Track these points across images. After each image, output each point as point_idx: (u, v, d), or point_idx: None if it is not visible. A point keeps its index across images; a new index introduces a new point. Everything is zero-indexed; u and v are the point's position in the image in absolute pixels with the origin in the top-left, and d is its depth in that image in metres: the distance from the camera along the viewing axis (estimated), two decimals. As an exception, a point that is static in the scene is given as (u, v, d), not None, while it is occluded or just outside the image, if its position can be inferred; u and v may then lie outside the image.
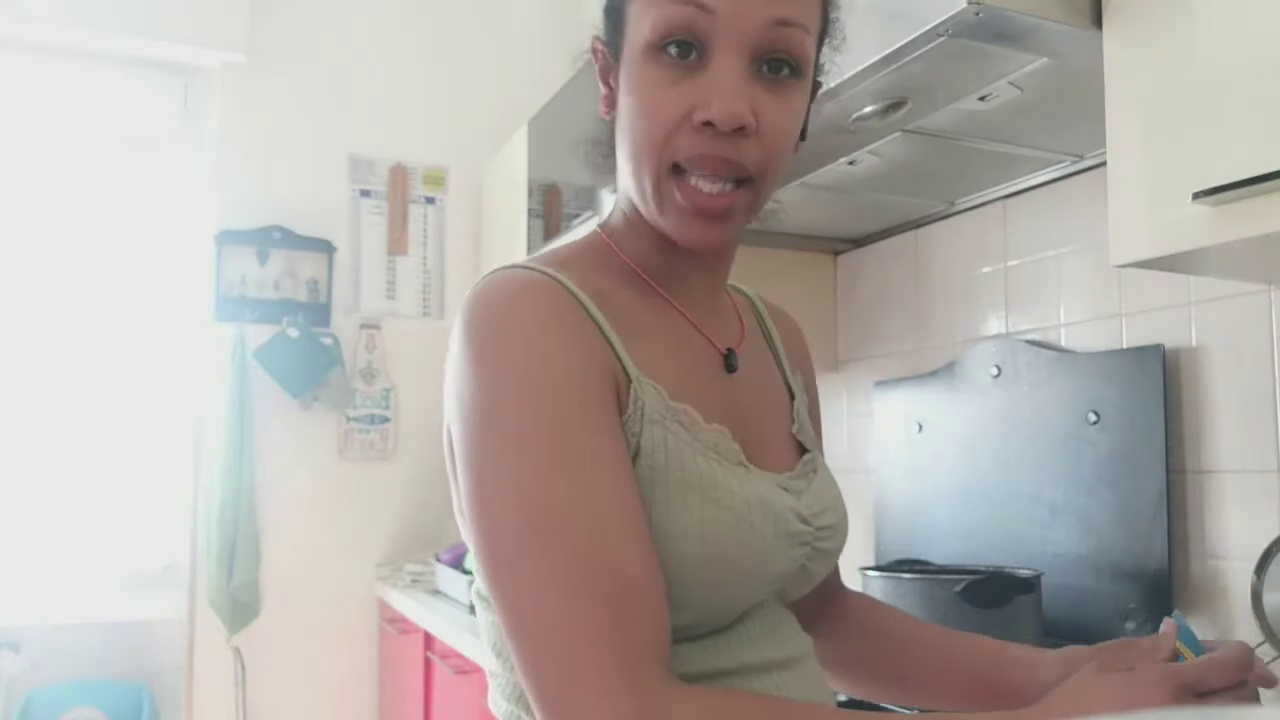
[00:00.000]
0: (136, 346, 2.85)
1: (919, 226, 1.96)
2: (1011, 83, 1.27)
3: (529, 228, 2.91)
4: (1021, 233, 1.73)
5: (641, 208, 0.76)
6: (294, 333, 2.81)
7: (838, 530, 0.81)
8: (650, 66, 0.72)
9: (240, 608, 2.65)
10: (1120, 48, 1.09)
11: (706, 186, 0.72)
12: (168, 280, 2.88)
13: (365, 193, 3.03)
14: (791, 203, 1.82)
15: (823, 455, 0.90)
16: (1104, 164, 1.13)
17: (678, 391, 0.73)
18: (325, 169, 2.96)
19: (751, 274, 2.08)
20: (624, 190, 0.79)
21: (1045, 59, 1.19)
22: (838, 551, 0.83)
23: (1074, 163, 1.59)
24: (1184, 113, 1.02)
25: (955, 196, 1.82)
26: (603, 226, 0.82)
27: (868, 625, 0.94)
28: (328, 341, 2.85)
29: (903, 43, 1.14)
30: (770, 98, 0.72)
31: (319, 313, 2.89)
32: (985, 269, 1.81)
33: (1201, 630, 1.33)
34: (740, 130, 0.70)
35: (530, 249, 2.88)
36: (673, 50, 0.70)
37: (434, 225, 3.14)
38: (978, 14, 1.05)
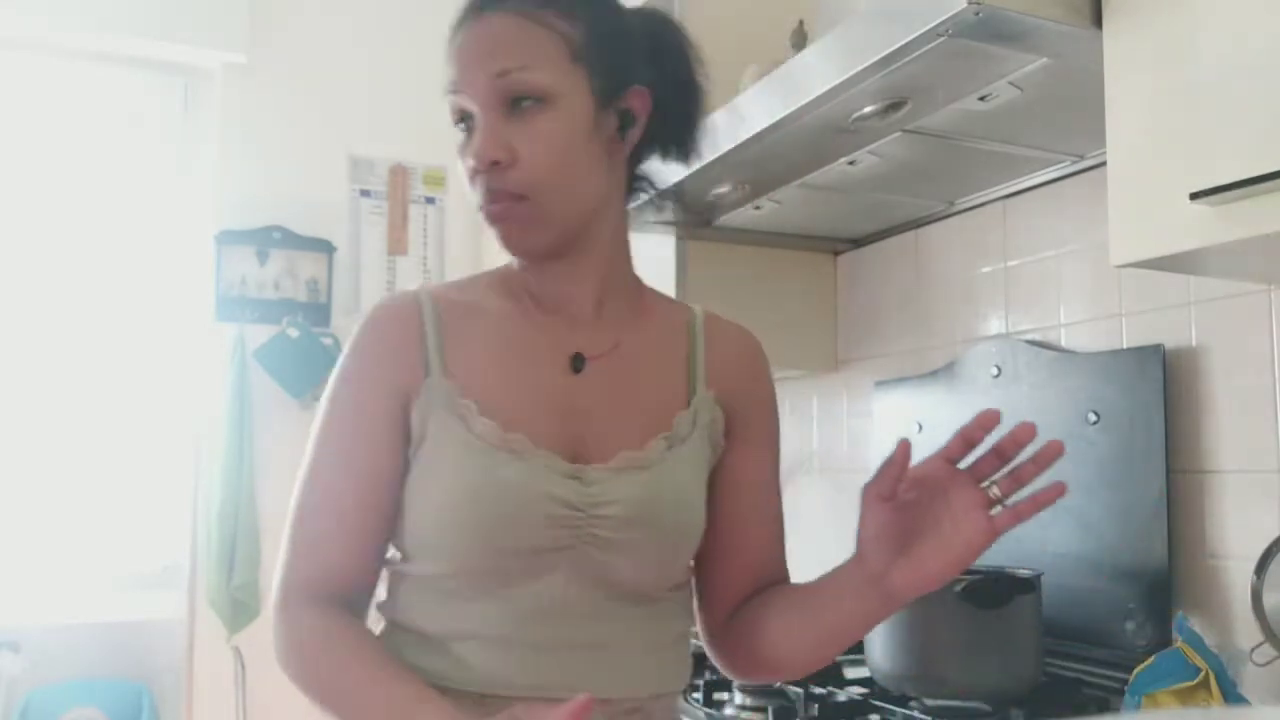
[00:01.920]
0: (136, 346, 2.85)
1: (919, 226, 1.96)
2: (1011, 83, 1.27)
3: (529, 228, 2.91)
4: (1021, 233, 1.73)
5: None
6: (294, 333, 2.81)
7: (629, 524, 0.89)
8: (461, 135, 0.94)
9: (240, 608, 2.65)
10: (1120, 48, 1.09)
11: (495, 225, 0.92)
12: (168, 280, 2.88)
13: (365, 193, 3.03)
14: (791, 203, 1.82)
15: (680, 463, 0.95)
16: (1104, 164, 1.13)
17: (489, 388, 0.91)
18: (325, 169, 2.96)
19: (752, 274, 2.10)
20: None
21: (1045, 59, 1.19)
22: (631, 545, 0.90)
23: (1074, 163, 1.59)
24: (1184, 113, 1.02)
25: (955, 196, 1.82)
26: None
27: (774, 602, 1.01)
28: (328, 341, 2.84)
29: (903, 43, 1.14)
30: (524, 129, 0.89)
31: (319, 313, 2.89)
32: (985, 269, 1.81)
33: (1202, 630, 1.34)
34: (495, 164, 0.89)
35: (530, 249, 2.88)
36: (462, 126, 0.94)
37: (434, 225, 3.14)
38: (978, 14, 1.05)
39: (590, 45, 0.91)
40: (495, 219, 0.91)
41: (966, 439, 0.88)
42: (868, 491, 0.89)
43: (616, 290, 1.00)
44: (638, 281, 1.04)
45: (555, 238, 0.93)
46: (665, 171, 1.06)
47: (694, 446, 0.96)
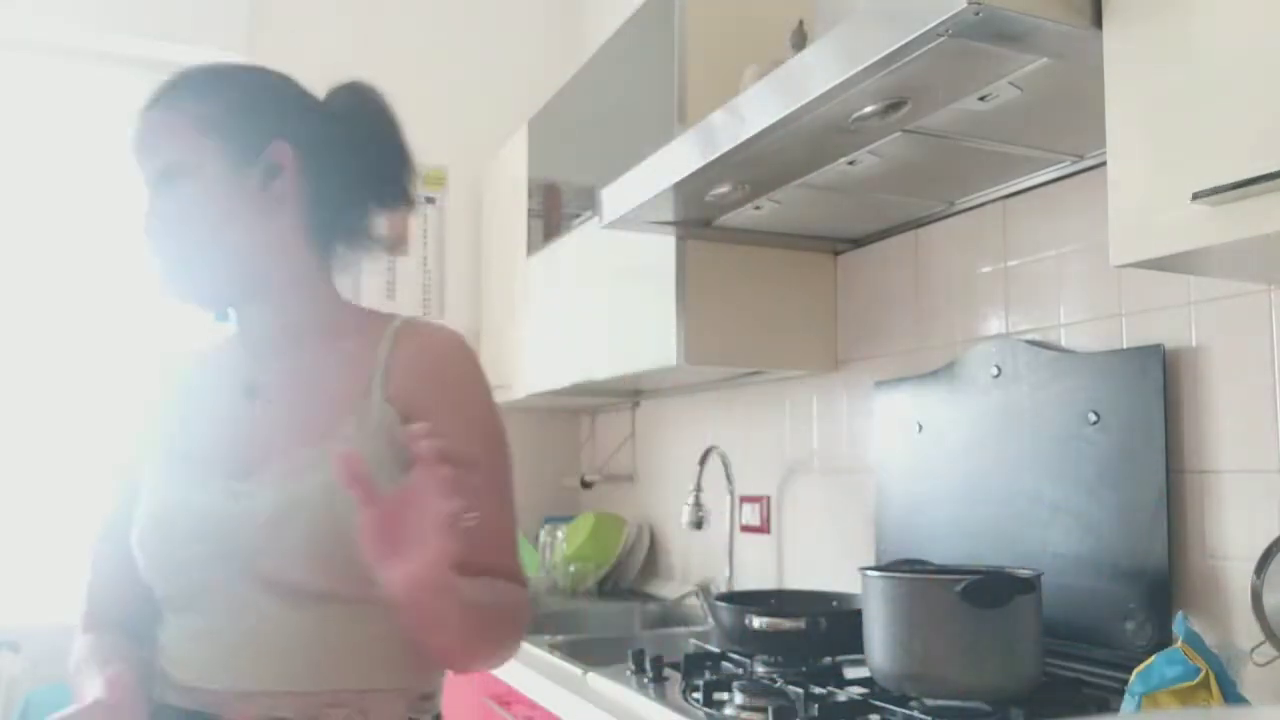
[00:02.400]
0: (137, 346, 2.85)
1: (919, 226, 1.96)
2: (1011, 83, 1.27)
3: (529, 228, 2.91)
4: (1021, 233, 1.73)
5: None
6: (294, 333, 2.80)
7: (274, 526, 0.98)
8: None
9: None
10: (1120, 48, 1.09)
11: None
12: (168, 280, 2.88)
13: (365, 193, 3.03)
14: (791, 203, 1.82)
15: (320, 469, 1.02)
16: (1104, 164, 1.13)
17: (179, 424, 1.10)
18: (325, 169, 2.96)
19: (752, 274, 2.10)
20: None
21: (1045, 59, 1.19)
22: (286, 544, 0.99)
23: (1074, 163, 1.59)
24: (1184, 113, 1.02)
25: (955, 196, 1.82)
26: None
27: None
28: (328, 341, 2.84)
29: (903, 43, 1.14)
30: (161, 204, 1.05)
31: (319, 313, 2.89)
32: (985, 269, 1.81)
33: (1202, 630, 1.33)
34: (146, 233, 1.06)
35: (530, 249, 2.88)
36: None
37: (434, 225, 3.14)
38: (978, 14, 1.05)
39: (217, 119, 1.06)
40: (158, 283, 1.09)
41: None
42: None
43: (304, 321, 1.11)
44: (338, 306, 1.14)
45: (192, 291, 1.11)
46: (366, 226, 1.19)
47: (361, 449, 1.00)
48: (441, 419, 1.02)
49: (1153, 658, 1.19)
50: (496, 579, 1.05)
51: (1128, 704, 1.18)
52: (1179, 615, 1.23)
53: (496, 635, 1.04)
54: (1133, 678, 1.19)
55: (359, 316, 1.14)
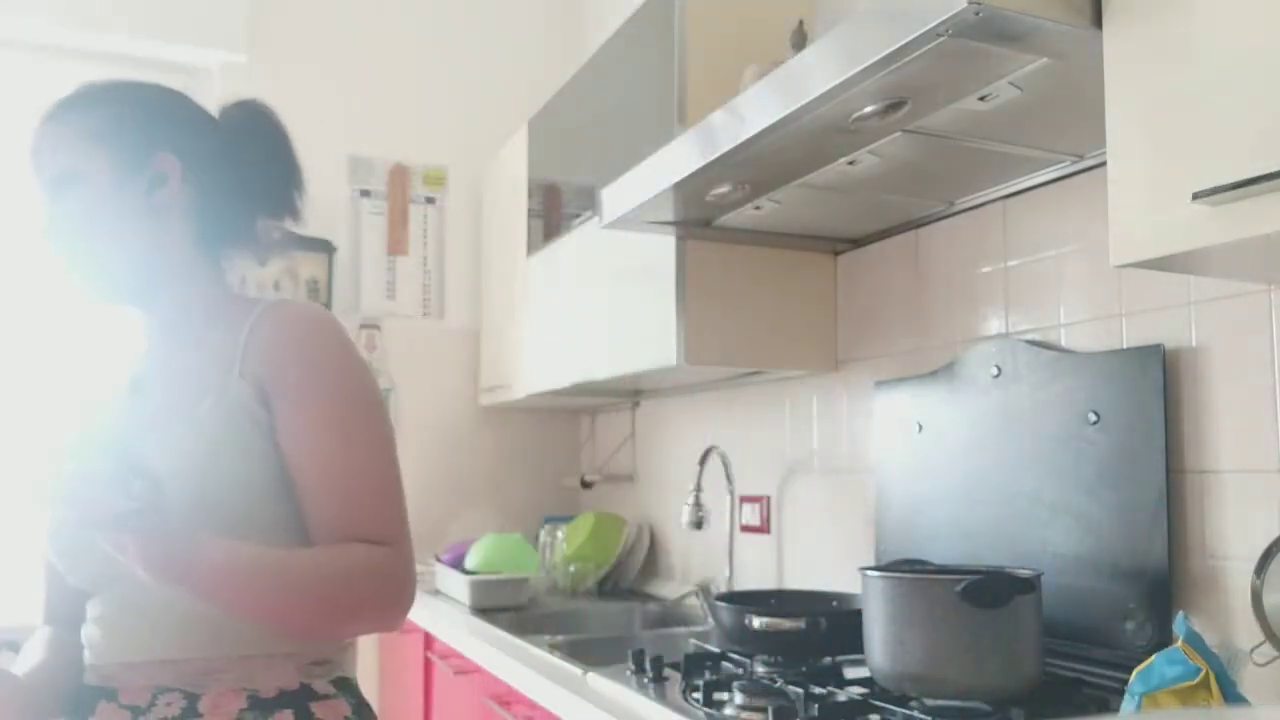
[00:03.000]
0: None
1: (919, 226, 1.96)
2: (1011, 83, 1.27)
3: (529, 228, 2.91)
4: (1021, 233, 1.73)
5: None
6: (294, 333, 2.80)
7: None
8: None
9: (240, 608, 2.65)
10: (1120, 48, 1.09)
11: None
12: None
13: (365, 193, 3.03)
14: (791, 203, 1.82)
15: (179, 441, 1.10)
16: (1104, 164, 1.13)
17: (88, 421, 1.20)
18: (325, 169, 2.96)
19: (752, 274, 2.10)
20: None
21: (1045, 59, 1.20)
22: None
23: (1074, 163, 1.59)
24: (1184, 113, 1.02)
25: (955, 196, 1.82)
26: None
27: None
28: (328, 341, 2.84)
29: (903, 43, 1.14)
30: (56, 207, 1.17)
31: (319, 313, 2.89)
32: (985, 269, 1.81)
33: (1202, 630, 1.33)
34: (44, 236, 1.18)
35: (530, 249, 2.88)
36: None
37: (434, 225, 3.14)
38: (978, 14, 1.05)
39: (110, 131, 1.15)
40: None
41: None
42: None
43: (184, 317, 1.19)
44: (222, 302, 1.20)
45: (98, 290, 1.19)
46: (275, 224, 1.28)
47: (218, 425, 1.08)
48: (294, 387, 1.11)
49: (1153, 658, 1.19)
50: (353, 544, 1.07)
51: (1128, 704, 1.18)
52: (1179, 615, 1.23)
53: (333, 602, 1.05)
54: (1133, 678, 1.19)
55: (238, 306, 1.19)
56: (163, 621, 1.07)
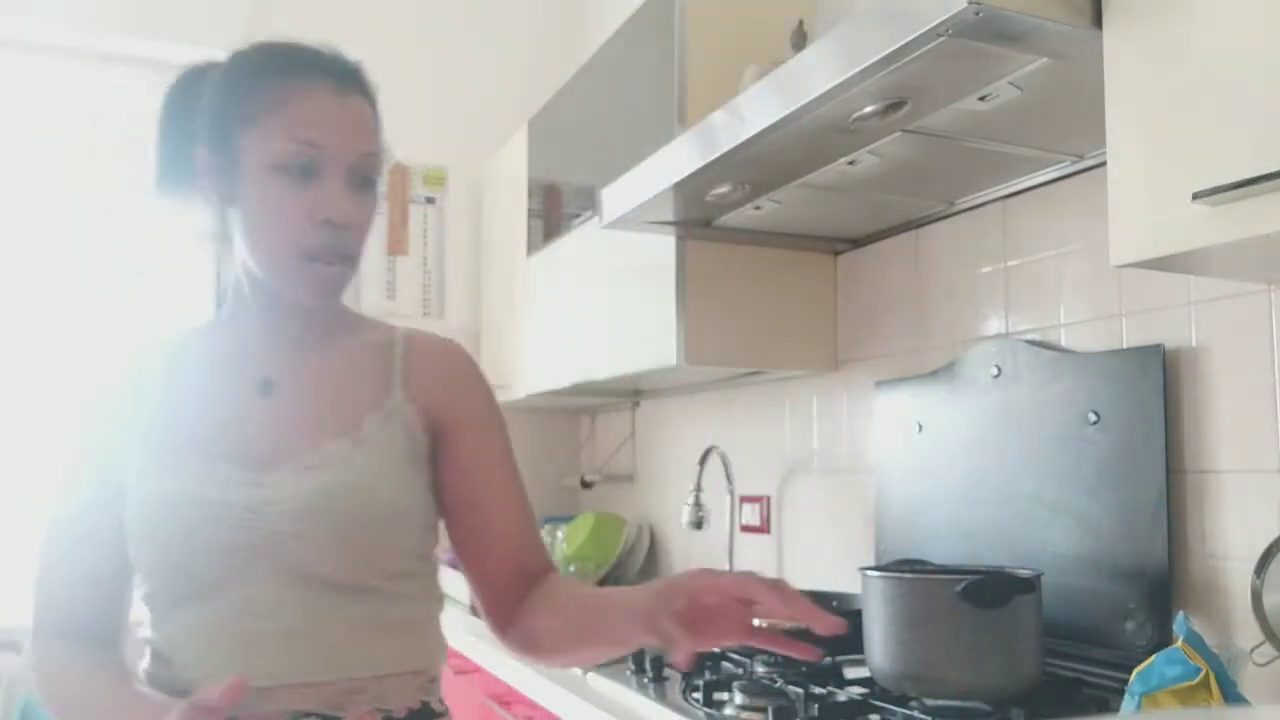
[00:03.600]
0: (137, 346, 2.85)
1: (919, 226, 1.96)
2: (1011, 83, 1.27)
3: (529, 228, 2.91)
4: (1021, 233, 1.73)
5: (272, 282, 1.05)
6: (294, 333, 2.81)
7: (304, 515, 1.00)
8: (274, 181, 1.01)
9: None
10: (1120, 48, 1.09)
11: (325, 270, 1.03)
12: (168, 280, 2.88)
13: (365, 193, 3.03)
14: (791, 203, 1.82)
15: (363, 459, 1.06)
16: (1104, 164, 1.13)
17: (178, 420, 1.05)
18: (325, 169, 2.96)
19: (752, 274, 2.10)
20: (245, 266, 1.08)
21: (1045, 59, 1.19)
22: (319, 534, 1.00)
23: (1074, 163, 1.59)
24: (1184, 113, 1.02)
25: (955, 196, 1.82)
26: (221, 299, 1.16)
27: (548, 603, 1.10)
28: (328, 341, 2.84)
29: (903, 43, 1.14)
30: (360, 202, 1.04)
31: (319, 313, 2.89)
32: (985, 269, 1.81)
33: (1202, 630, 1.33)
34: (347, 226, 1.02)
35: (530, 249, 2.88)
36: (293, 170, 1.01)
37: (434, 225, 3.14)
38: (978, 14, 1.05)
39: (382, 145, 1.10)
40: (328, 276, 1.03)
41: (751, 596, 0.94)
42: (698, 589, 0.94)
43: (320, 320, 1.12)
44: (342, 310, 1.16)
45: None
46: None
47: (386, 444, 1.06)
48: (467, 412, 1.13)
49: (1153, 658, 1.19)
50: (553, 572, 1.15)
51: (1128, 704, 1.18)
52: (1179, 615, 1.23)
53: None
54: (1133, 677, 1.19)
55: (354, 320, 1.18)
56: (314, 641, 1.00)
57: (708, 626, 0.91)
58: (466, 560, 1.14)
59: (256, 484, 1.01)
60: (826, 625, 0.84)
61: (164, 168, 1.14)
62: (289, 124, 1.01)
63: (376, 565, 1.03)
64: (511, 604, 1.12)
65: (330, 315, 1.14)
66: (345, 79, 1.06)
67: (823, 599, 1.90)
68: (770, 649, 0.93)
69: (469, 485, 1.11)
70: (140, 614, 1.06)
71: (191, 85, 1.13)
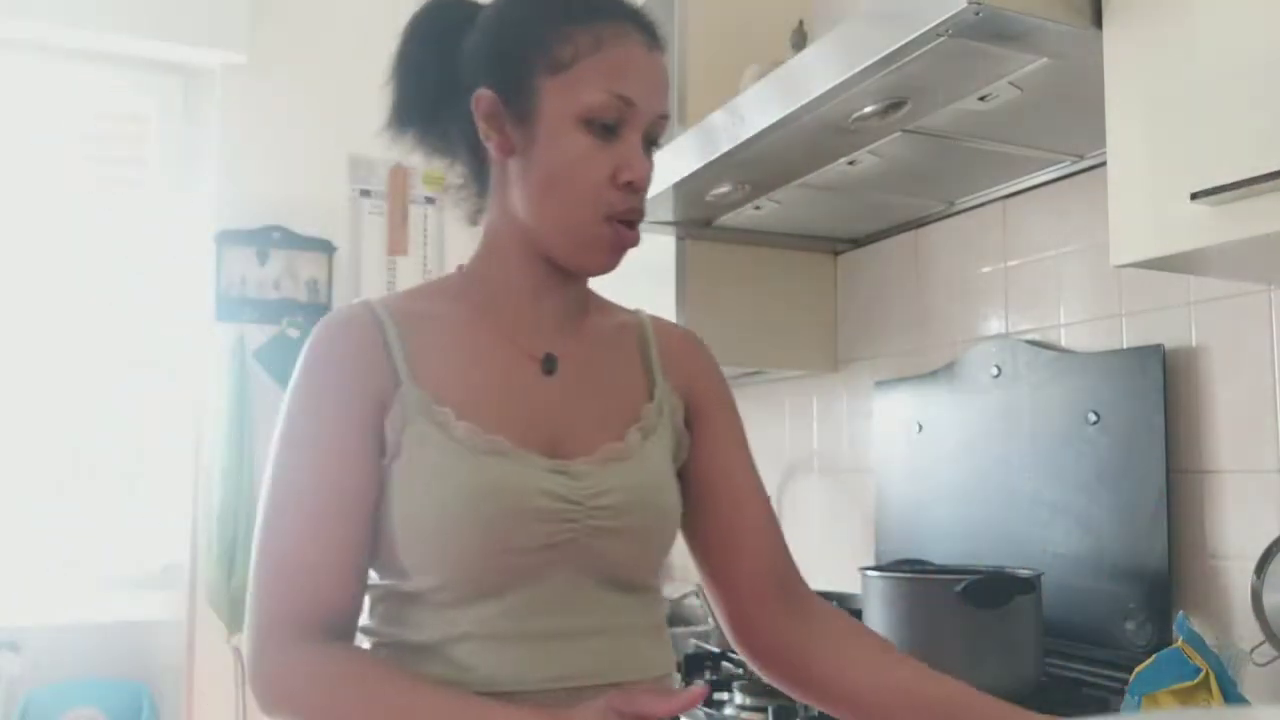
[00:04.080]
0: (136, 347, 2.85)
1: (919, 226, 1.96)
2: (1011, 83, 1.27)
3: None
4: (1021, 233, 1.73)
5: (561, 245, 0.95)
6: (294, 333, 2.81)
7: (622, 510, 0.92)
8: (579, 135, 0.91)
9: (240, 608, 2.65)
10: (1120, 48, 1.09)
11: (623, 232, 0.94)
12: (168, 280, 2.88)
13: (365, 193, 3.03)
14: (791, 203, 1.82)
15: (656, 453, 0.99)
16: (1104, 164, 1.13)
17: (460, 394, 0.92)
18: (325, 169, 2.96)
19: (752, 274, 2.10)
20: (514, 226, 0.97)
21: (1045, 59, 1.19)
22: (629, 531, 0.93)
23: (1074, 163, 1.59)
24: (1184, 113, 1.02)
25: (955, 196, 1.82)
26: (462, 266, 1.03)
27: (874, 660, 0.99)
28: (328, 341, 2.84)
29: (903, 43, 1.14)
30: (648, 165, 0.95)
31: (319, 313, 2.88)
32: (985, 269, 1.81)
33: (1202, 630, 1.33)
34: (642, 190, 0.94)
35: (530, 249, 2.88)
36: (599, 126, 0.91)
37: (434, 225, 3.14)
38: (978, 14, 1.05)
39: None
40: (624, 240, 0.94)
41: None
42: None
43: (580, 297, 1.04)
44: (586, 286, 1.06)
45: None
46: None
47: (662, 435, 1.00)
48: (717, 406, 1.07)
49: (1153, 657, 1.19)
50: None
51: (1128, 704, 1.18)
52: (1179, 615, 1.23)
53: None
54: (1132, 677, 1.19)
55: (597, 299, 1.08)
56: (621, 641, 0.93)
57: None
58: (712, 563, 1.04)
59: (568, 474, 0.91)
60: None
61: (405, 104, 1.02)
62: (606, 75, 0.90)
63: (656, 564, 0.98)
64: (768, 618, 1.02)
65: (578, 289, 1.03)
66: (651, 32, 0.95)
67: (822, 599, 1.90)
68: None
69: (720, 479, 1.04)
70: (389, 609, 0.92)
71: (451, 18, 1.01)
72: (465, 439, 0.89)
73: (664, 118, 0.95)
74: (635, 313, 1.10)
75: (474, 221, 1.04)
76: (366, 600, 0.93)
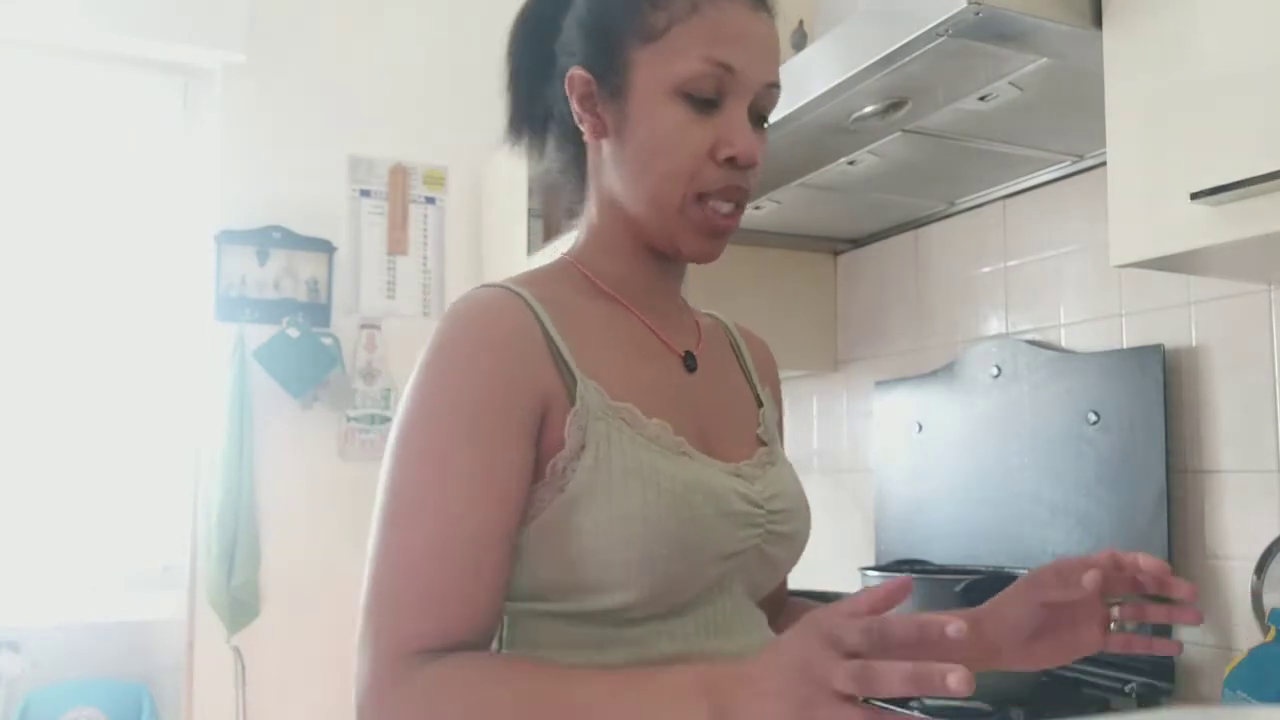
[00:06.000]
0: (137, 346, 2.85)
1: (919, 226, 1.96)
2: (1011, 83, 1.27)
3: (529, 228, 2.91)
4: (1021, 233, 1.73)
5: (654, 225, 0.86)
6: (294, 333, 2.81)
7: (793, 515, 0.87)
8: (674, 108, 0.83)
9: (240, 608, 2.65)
10: (1120, 48, 1.09)
11: (724, 209, 0.85)
12: (168, 280, 2.88)
13: (365, 193, 3.03)
14: (791, 203, 1.82)
15: (786, 458, 0.96)
16: (1104, 164, 1.13)
17: (626, 389, 0.82)
18: (325, 169, 2.96)
19: (752, 274, 2.10)
20: (614, 208, 0.89)
21: (1045, 59, 1.20)
22: (796, 536, 0.88)
23: (1074, 163, 1.59)
24: (1184, 113, 1.02)
25: (955, 196, 1.82)
26: (569, 253, 0.94)
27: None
28: (328, 341, 2.84)
29: (903, 43, 1.14)
30: (758, 140, 0.85)
31: (319, 313, 2.89)
32: (985, 269, 1.81)
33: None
34: (749, 167, 0.84)
35: (530, 249, 2.88)
36: (697, 97, 0.82)
37: (434, 225, 3.14)
38: (978, 14, 1.05)
39: None
40: (723, 222, 0.86)
41: (1117, 562, 0.87)
42: (1030, 589, 0.84)
43: (675, 286, 0.98)
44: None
45: None
46: None
47: (779, 442, 0.96)
48: (780, 419, 1.02)
49: (1245, 652, 1.19)
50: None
51: (1226, 697, 1.18)
52: (1274, 609, 1.22)
53: None
54: (1226, 673, 1.19)
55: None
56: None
57: (1052, 644, 0.85)
58: None
59: (743, 476, 0.85)
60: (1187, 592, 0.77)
61: (518, 109, 0.95)
62: (702, 40, 0.81)
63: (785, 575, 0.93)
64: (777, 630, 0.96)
65: (681, 284, 0.97)
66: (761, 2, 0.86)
67: (822, 599, 1.90)
68: (1137, 651, 0.87)
69: None
70: (529, 633, 0.80)
71: (545, 12, 0.92)
72: (659, 437, 0.80)
73: (774, 87, 0.85)
74: (712, 314, 1.04)
75: (570, 215, 0.97)
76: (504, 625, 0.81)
